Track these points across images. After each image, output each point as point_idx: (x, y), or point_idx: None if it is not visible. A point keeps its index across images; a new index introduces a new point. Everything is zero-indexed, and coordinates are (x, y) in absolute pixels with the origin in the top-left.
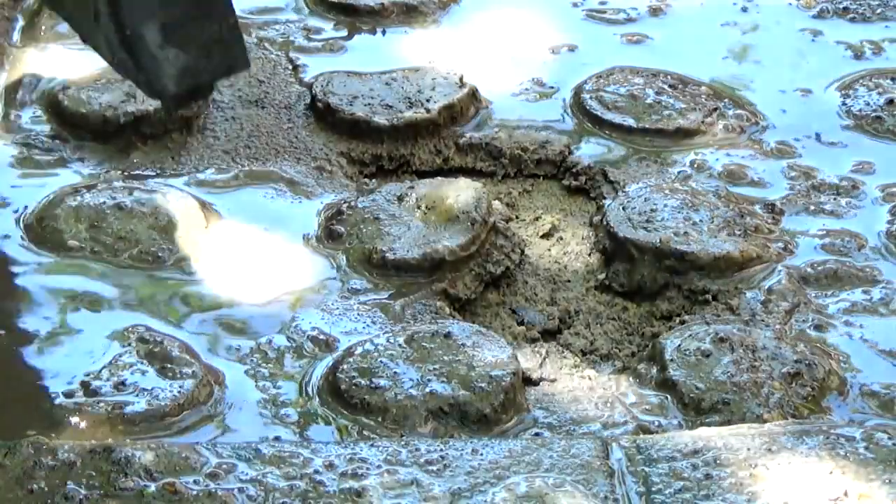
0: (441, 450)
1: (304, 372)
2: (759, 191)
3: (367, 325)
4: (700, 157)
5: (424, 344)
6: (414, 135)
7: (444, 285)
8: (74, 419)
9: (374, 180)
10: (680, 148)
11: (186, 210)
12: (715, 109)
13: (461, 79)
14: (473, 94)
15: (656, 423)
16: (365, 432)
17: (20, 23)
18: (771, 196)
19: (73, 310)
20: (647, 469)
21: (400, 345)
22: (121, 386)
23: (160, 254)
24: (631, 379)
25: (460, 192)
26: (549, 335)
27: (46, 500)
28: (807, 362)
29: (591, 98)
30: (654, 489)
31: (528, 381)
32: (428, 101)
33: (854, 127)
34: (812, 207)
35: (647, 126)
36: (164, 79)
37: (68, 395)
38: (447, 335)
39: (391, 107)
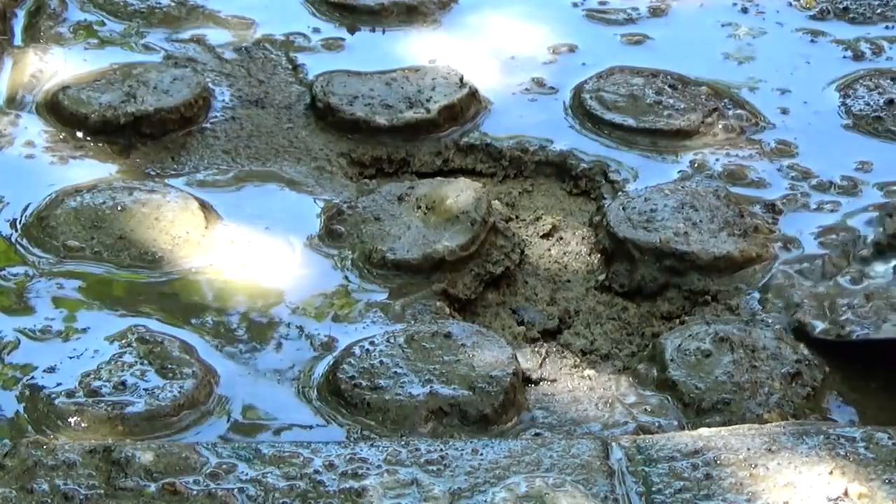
0: (441, 450)
1: (304, 372)
2: (759, 191)
3: (367, 325)
4: (700, 157)
5: (424, 344)
6: (414, 135)
7: (443, 285)
8: (74, 419)
9: (374, 181)
10: (680, 148)
11: (186, 210)
12: (715, 109)
13: (461, 79)
14: (473, 95)
15: (656, 424)
16: (365, 432)
17: (20, 23)
18: (771, 196)
19: (73, 310)
20: (647, 469)
21: (400, 345)
22: (121, 386)
23: (160, 254)
24: (631, 379)
25: (460, 192)
26: (549, 335)
27: (46, 500)
28: (807, 362)
29: (591, 98)
30: (654, 489)
31: (528, 381)
32: (428, 101)
33: (854, 127)
34: (812, 207)
35: (647, 126)
36: None
37: (68, 395)
38: (447, 335)
39: (391, 107)
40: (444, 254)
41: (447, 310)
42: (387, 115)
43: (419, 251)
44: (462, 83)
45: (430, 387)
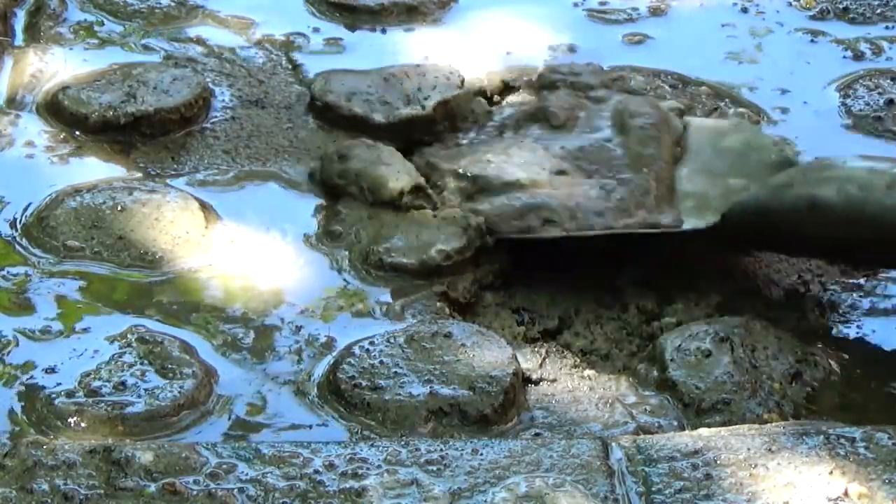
0: (441, 450)
1: (304, 372)
2: None
3: (367, 325)
4: None
5: (424, 344)
6: (410, 132)
7: (443, 288)
8: (74, 419)
9: None
10: None
11: (186, 210)
12: (715, 109)
13: (462, 81)
14: (472, 94)
15: (656, 424)
16: (365, 432)
17: (20, 23)
18: None
19: (72, 310)
20: (646, 469)
21: (400, 345)
22: (121, 386)
23: (160, 254)
24: (631, 379)
25: (397, 174)
26: (549, 335)
27: (46, 500)
28: (807, 362)
29: None
30: (654, 489)
31: (528, 381)
32: (426, 99)
33: (854, 127)
34: None
35: None
36: None
37: (68, 395)
38: (447, 335)
39: (388, 103)
40: (439, 260)
41: (447, 310)
42: (384, 113)
43: (416, 256)
44: (462, 85)
45: (430, 387)
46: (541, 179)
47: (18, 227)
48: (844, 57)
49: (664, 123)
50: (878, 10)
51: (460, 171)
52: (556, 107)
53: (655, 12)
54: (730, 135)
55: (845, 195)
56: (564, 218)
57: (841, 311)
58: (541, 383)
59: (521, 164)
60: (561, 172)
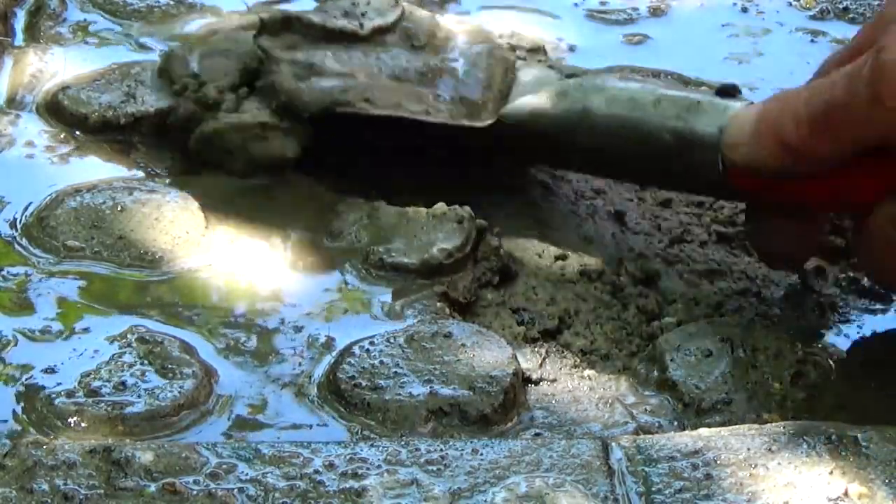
0: (441, 450)
1: (304, 372)
2: None
3: (367, 325)
4: None
5: (424, 344)
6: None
7: (444, 287)
8: (74, 419)
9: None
10: None
11: (186, 210)
12: None
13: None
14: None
15: (656, 424)
16: (365, 432)
17: (20, 23)
18: None
19: (72, 310)
20: (646, 469)
21: (400, 345)
22: (121, 386)
23: (160, 254)
24: (631, 379)
25: None
26: (549, 335)
27: (46, 500)
28: (807, 362)
29: None
30: (654, 489)
31: (528, 381)
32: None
33: None
34: None
35: None
36: None
37: (68, 395)
38: (447, 335)
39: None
40: (441, 258)
41: (447, 310)
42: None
43: (417, 255)
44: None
45: (430, 387)
46: (376, 76)
47: (18, 227)
48: None
49: (496, 54)
50: (878, 11)
51: (295, 59)
52: (417, 28)
53: (655, 12)
54: (522, 69)
55: (615, 107)
56: (386, 104)
57: (841, 311)
58: (541, 383)
59: (359, 64)
60: (397, 78)
